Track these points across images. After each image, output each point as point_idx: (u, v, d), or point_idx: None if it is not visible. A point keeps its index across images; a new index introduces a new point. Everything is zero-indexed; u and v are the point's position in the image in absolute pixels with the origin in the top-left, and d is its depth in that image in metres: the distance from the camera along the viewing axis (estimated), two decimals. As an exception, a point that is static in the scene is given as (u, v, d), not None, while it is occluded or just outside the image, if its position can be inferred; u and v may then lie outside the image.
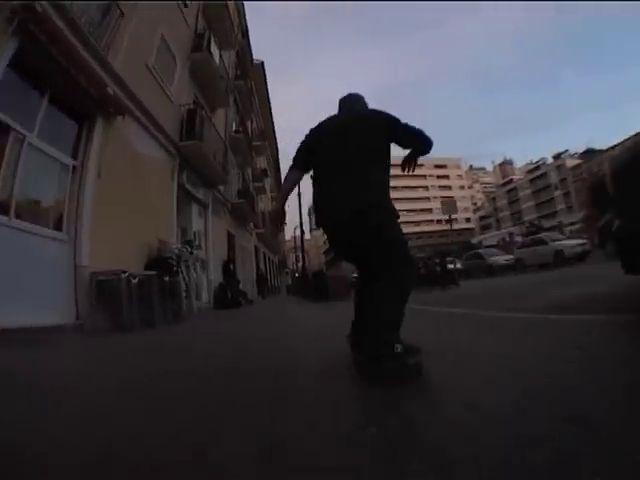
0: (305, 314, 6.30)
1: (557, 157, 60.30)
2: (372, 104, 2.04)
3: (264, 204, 23.10)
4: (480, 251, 19.87)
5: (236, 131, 14.37)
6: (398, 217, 1.72)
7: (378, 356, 1.39)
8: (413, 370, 1.38)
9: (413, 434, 0.90)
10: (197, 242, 9.09)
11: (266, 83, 21.62)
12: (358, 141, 1.70)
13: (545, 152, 61.14)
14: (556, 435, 0.79)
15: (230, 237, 13.48)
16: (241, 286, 12.15)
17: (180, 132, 8.43)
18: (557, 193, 56.71)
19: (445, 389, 1.25)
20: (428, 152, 1.81)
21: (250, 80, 17.75)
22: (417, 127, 1.75)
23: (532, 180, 63.86)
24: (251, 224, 17.71)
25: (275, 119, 26.00)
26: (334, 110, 2.05)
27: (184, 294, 6.78)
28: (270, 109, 24.34)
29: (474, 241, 54.64)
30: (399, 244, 1.64)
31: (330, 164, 1.75)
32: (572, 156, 58.29)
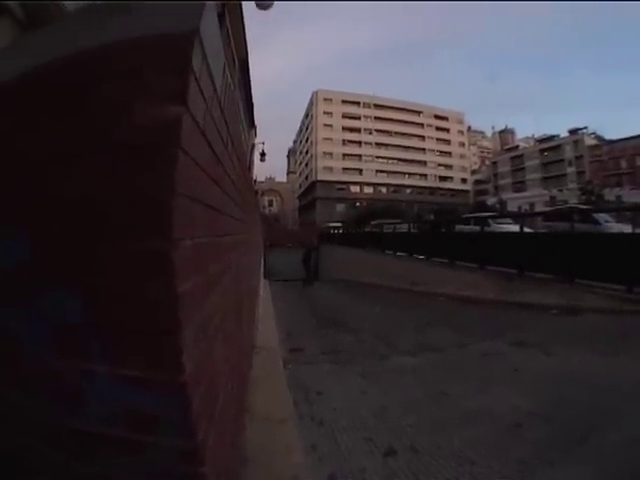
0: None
1: (574, 132, 58.31)
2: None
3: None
4: (479, 216, 14.39)
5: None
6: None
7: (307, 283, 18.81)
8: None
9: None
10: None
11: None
12: None
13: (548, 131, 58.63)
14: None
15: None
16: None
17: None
18: (570, 170, 55.63)
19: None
20: None
21: None
22: None
23: (542, 151, 61.91)
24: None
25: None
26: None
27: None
28: None
29: (492, 202, 50.08)
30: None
31: None
32: (590, 135, 56.64)
